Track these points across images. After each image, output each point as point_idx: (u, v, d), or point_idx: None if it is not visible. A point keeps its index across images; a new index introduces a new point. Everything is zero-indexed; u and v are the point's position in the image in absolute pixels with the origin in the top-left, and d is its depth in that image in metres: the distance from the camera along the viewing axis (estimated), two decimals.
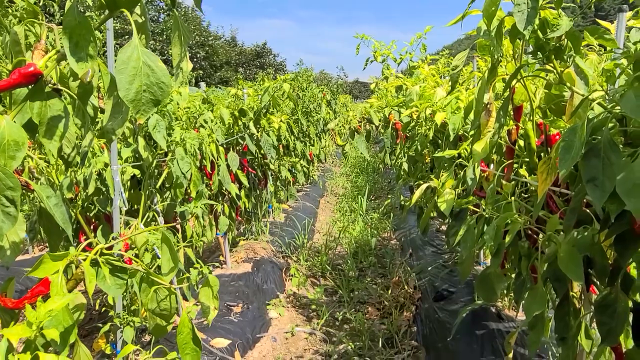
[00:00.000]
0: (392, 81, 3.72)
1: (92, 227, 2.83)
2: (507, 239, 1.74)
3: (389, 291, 4.04)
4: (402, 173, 4.11)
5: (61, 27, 1.36)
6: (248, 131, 4.19)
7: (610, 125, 1.28)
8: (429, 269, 4.21)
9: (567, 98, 1.63)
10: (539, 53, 1.36)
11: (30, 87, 1.27)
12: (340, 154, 11.72)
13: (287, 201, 6.73)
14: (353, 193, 7.92)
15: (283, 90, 4.43)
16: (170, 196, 3.21)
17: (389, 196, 7.02)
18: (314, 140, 7.61)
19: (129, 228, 2.79)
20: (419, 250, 4.95)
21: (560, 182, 1.63)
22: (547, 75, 1.59)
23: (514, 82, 1.49)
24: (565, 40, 1.32)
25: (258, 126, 4.39)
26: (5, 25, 1.25)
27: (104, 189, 2.61)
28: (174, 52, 1.38)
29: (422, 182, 3.58)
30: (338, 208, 7.25)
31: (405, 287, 4.10)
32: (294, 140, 6.09)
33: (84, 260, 1.29)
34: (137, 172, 2.76)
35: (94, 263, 1.31)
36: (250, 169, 4.47)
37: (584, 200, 1.48)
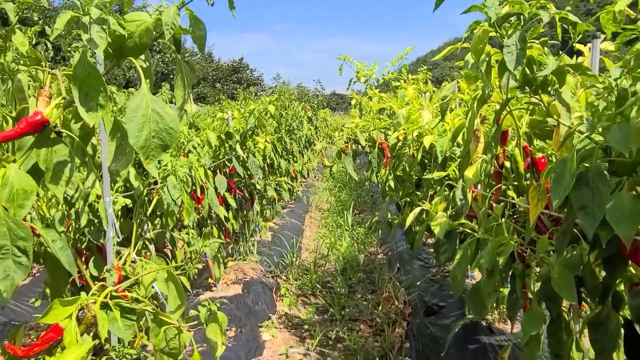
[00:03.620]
0: (376, 102, 3.80)
1: (83, 258, 2.79)
2: (501, 260, 1.81)
3: (380, 307, 4.08)
4: (387, 190, 4.19)
5: (64, 71, 1.38)
6: (235, 153, 4.21)
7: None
8: (418, 283, 4.27)
9: (550, 123, 1.73)
10: (526, 87, 1.44)
11: (36, 134, 1.28)
12: (322, 168, 11.80)
13: (273, 219, 6.74)
14: (337, 208, 7.97)
15: (268, 111, 4.47)
16: (160, 223, 3.20)
17: (375, 213, 7.10)
18: (296, 157, 7.66)
19: (120, 258, 2.77)
20: (406, 264, 5.01)
21: (550, 207, 1.71)
22: (531, 106, 1.68)
23: (503, 113, 1.57)
24: (551, 75, 1.40)
25: (244, 147, 4.42)
26: (9, 73, 1.26)
27: (96, 221, 2.60)
28: (177, 94, 1.41)
29: (408, 199, 3.66)
30: (324, 224, 7.29)
31: (396, 302, 4.15)
32: (278, 159, 6.12)
33: (94, 303, 1.30)
34: (128, 201, 2.75)
35: (104, 305, 1.32)
36: (237, 190, 4.48)
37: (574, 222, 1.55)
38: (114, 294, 1.32)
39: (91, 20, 1.08)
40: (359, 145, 3.77)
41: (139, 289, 2.38)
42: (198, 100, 33.15)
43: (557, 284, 1.56)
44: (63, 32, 1.24)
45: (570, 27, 1.27)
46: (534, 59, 1.36)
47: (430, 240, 5.04)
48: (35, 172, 1.33)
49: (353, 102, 6.07)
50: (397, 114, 2.80)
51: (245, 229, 5.19)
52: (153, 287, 2.55)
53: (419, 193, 3.52)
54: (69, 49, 1.88)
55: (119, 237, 2.52)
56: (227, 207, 4.32)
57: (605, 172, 1.27)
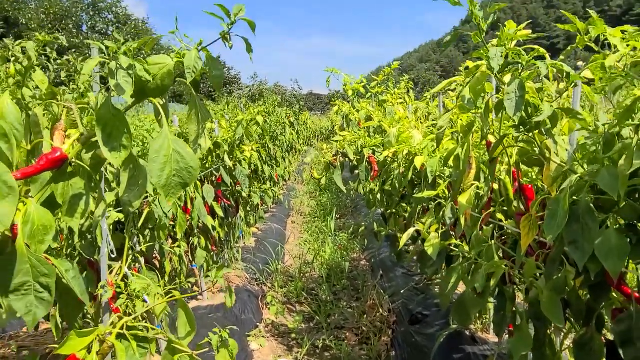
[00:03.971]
0: (363, 115, 3.88)
1: None
2: (492, 282, 1.91)
3: (365, 316, 4.17)
4: (372, 199, 4.29)
5: (79, 104, 1.41)
6: (222, 163, 4.23)
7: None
8: (402, 292, 4.38)
9: (537, 153, 1.84)
10: (521, 127, 1.54)
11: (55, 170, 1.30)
12: (302, 170, 11.86)
13: (256, 224, 6.76)
14: (319, 212, 8.05)
15: (256, 121, 4.51)
16: (151, 235, 3.20)
17: (357, 217, 7.19)
18: (279, 162, 7.70)
19: (111, 272, 2.77)
20: (389, 271, 5.12)
21: (538, 233, 1.82)
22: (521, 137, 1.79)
23: (498, 149, 1.67)
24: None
25: (231, 157, 4.44)
26: (26, 106, 1.28)
27: (89, 236, 2.59)
28: (190, 128, 1.45)
29: (394, 210, 3.76)
30: (306, 228, 7.35)
31: (380, 310, 4.25)
32: (262, 165, 6.16)
33: (110, 334, 1.33)
34: (121, 216, 2.75)
35: (120, 335, 1.35)
36: (224, 199, 4.50)
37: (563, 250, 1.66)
38: (129, 324, 1.36)
39: (118, 66, 1.12)
40: (347, 158, 3.85)
41: (137, 305, 2.40)
42: (174, 98, 32.70)
43: (546, 308, 1.67)
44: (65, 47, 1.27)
45: (564, 76, 1.37)
46: (530, 102, 1.46)
47: (412, 248, 5.17)
48: (51, 204, 1.35)
49: (335, 108, 6.14)
50: (389, 133, 2.89)
51: (230, 237, 5.21)
52: (145, 300, 2.58)
53: (404, 205, 3.63)
54: (67, 74, 1.89)
55: (113, 254, 2.52)
56: (214, 215, 4.34)
57: (595, 212, 1.38)
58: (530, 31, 1.53)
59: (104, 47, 1.14)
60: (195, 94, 1.37)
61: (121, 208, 2.85)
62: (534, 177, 2.07)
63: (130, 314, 2.57)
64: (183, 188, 1.27)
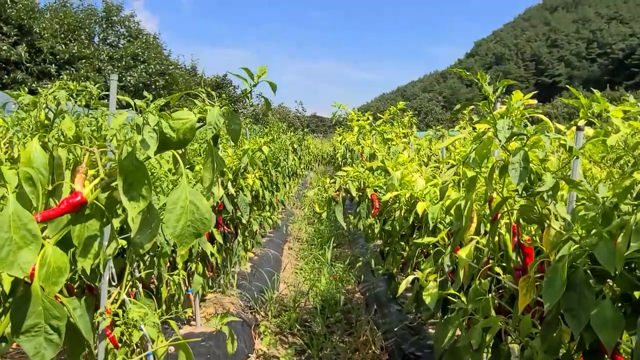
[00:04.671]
0: (367, 152, 3.96)
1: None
2: (488, 338, 1.94)
3: (357, 352, 4.16)
4: (370, 234, 4.32)
5: (100, 149, 1.47)
6: (226, 190, 4.27)
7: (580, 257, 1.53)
8: (395, 329, 4.37)
9: (537, 211, 1.89)
10: (524, 192, 1.59)
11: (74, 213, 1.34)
12: (301, 195, 11.91)
13: (253, 249, 6.76)
14: (316, 240, 8.06)
15: (265, 151, 4.58)
16: (150, 261, 3.22)
17: (354, 248, 7.20)
18: (280, 187, 7.75)
19: (109, 297, 2.78)
20: (384, 307, 5.12)
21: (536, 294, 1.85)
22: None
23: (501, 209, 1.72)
24: None
25: (234, 184, 4.49)
26: (50, 150, 1.34)
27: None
28: (205, 176, 1.50)
29: (393, 249, 3.80)
30: (302, 256, 7.35)
31: (373, 347, 4.23)
32: (263, 191, 6.20)
33: None
34: (123, 242, 2.78)
35: None
36: (224, 225, 4.53)
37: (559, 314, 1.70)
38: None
39: (145, 121, 1.18)
40: (349, 194, 3.90)
41: (133, 334, 2.41)
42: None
43: None
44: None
45: (567, 150, 1.44)
46: (533, 170, 1.52)
47: (408, 285, 5.18)
48: (65, 244, 1.39)
49: (339, 138, 6.21)
50: (392, 175, 2.96)
51: (227, 262, 5.21)
52: (141, 329, 2.59)
53: (403, 244, 3.67)
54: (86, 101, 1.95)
55: (114, 281, 2.54)
56: (213, 242, 4.36)
57: (590, 282, 1.42)
58: (535, 101, 1.60)
59: (132, 103, 1.20)
60: (214, 146, 1.43)
61: (126, 235, 2.88)
62: (533, 232, 2.12)
63: (126, 342, 2.58)
64: (196, 237, 1.31)
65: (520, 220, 2.10)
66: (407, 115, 5.84)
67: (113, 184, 1.39)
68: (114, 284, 2.55)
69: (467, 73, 1.40)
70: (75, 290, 2.87)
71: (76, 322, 1.45)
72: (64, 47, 26.91)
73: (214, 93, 1.40)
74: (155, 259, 3.11)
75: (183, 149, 1.45)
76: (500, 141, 1.39)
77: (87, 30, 31.48)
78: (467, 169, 1.99)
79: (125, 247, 2.94)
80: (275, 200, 7.66)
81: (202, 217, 1.31)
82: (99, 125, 1.83)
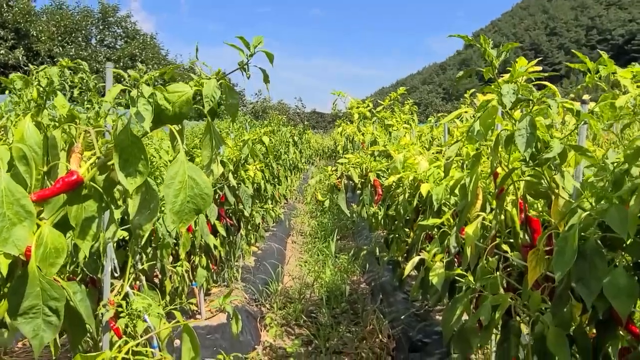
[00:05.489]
0: (368, 139, 3.93)
1: None
2: (497, 315, 1.91)
3: (364, 341, 4.13)
4: (374, 223, 4.29)
5: (96, 128, 1.43)
6: (227, 182, 4.24)
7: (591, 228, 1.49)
8: (402, 317, 4.34)
9: (544, 185, 1.86)
10: (530, 161, 1.55)
11: (70, 193, 1.31)
12: (303, 189, 11.87)
13: (256, 243, 6.74)
14: (320, 233, 8.03)
15: (262, 141, 4.54)
16: (153, 254, 3.19)
17: (357, 239, 7.16)
18: (282, 181, 7.72)
19: (112, 290, 2.76)
20: (390, 296, 5.09)
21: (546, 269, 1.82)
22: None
23: (507, 181, 1.68)
24: None
25: (236, 176, 4.46)
26: (44, 128, 1.30)
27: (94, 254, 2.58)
28: (204, 154, 1.46)
29: (397, 235, 3.76)
30: (306, 249, 7.33)
31: (380, 336, 4.20)
32: (265, 184, 6.17)
33: (115, 359, 1.32)
34: (125, 234, 2.75)
35: None
36: (227, 218, 4.50)
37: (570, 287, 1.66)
38: (134, 349, 1.35)
39: (140, 94, 1.14)
40: (351, 181, 3.86)
41: (137, 325, 2.39)
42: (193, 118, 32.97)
43: (552, 344, 1.66)
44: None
45: (574, 114, 1.39)
46: (540, 138, 1.48)
47: (413, 273, 5.14)
48: (63, 226, 1.36)
49: (339, 129, 6.17)
50: (395, 158, 2.92)
51: (230, 255, 5.19)
52: (145, 320, 2.56)
53: (407, 230, 3.63)
54: (79, 91, 1.92)
55: (117, 272, 2.52)
56: (216, 234, 4.33)
57: (602, 250, 1.38)
58: (540, 68, 1.56)
59: (126, 75, 1.16)
60: (211, 121, 1.39)
61: (127, 226, 2.85)
62: (540, 208, 2.08)
63: (130, 334, 2.55)
64: (197, 214, 1.28)
65: (527, 197, 2.07)
66: (408, 103, 5.79)
67: (110, 164, 1.36)
68: (116, 275, 2.52)
69: (470, 38, 1.35)
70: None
71: (76, 306, 1.42)
72: (61, 49, 26.90)
73: (210, 67, 1.37)
74: (157, 250, 3.08)
75: (180, 125, 1.41)
76: (505, 107, 1.35)
77: (83, 32, 31.47)
78: (470, 146, 1.95)
79: (127, 238, 2.91)
80: (278, 194, 7.64)
81: (202, 193, 1.27)
82: (96, 109, 1.80)
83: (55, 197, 1.31)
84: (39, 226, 1.24)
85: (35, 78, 1.29)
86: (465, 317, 2.32)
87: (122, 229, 2.76)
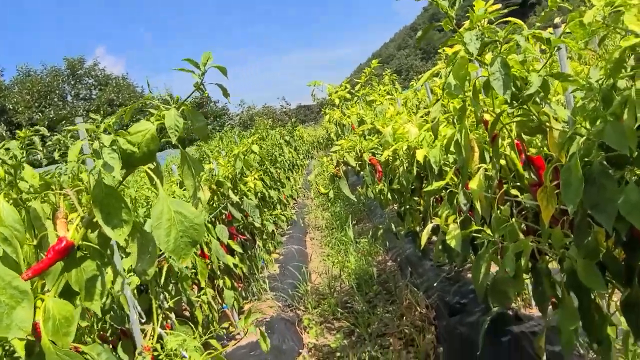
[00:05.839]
0: (355, 120, 3.88)
1: (110, 345, 2.76)
2: (523, 261, 1.87)
3: (404, 317, 4.11)
4: (383, 200, 4.25)
5: (74, 188, 1.40)
6: (229, 199, 4.22)
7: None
8: (435, 284, 4.32)
9: (537, 121, 1.81)
10: (514, 102, 1.51)
11: (64, 259, 1.28)
12: (309, 184, 11.84)
13: (276, 249, 6.73)
14: (335, 223, 8.01)
15: (252, 151, 4.51)
16: (175, 289, 3.19)
17: (373, 220, 7.13)
18: (284, 183, 7.69)
19: (145, 335, 2.75)
20: (417, 267, 5.06)
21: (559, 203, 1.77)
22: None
23: (497, 126, 1.64)
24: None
25: (236, 191, 4.43)
26: (23, 203, 1.27)
27: (116, 307, 2.58)
28: (187, 184, 1.43)
29: (408, 206, 3.72)
30: (326, 242, 7.31)
31: (418, 308, 4.18)
32: (268, 190, 6.15)
33: None
34: (137, 280, 2.74)
35: None
36: (239, 234, 4.48)
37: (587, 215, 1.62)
38: None
39: (101, 145, 1.11)
40: (349, 166, 3.82)
41: None
42: (169, 143, 33.01)
43: (583, 276, 1.62)
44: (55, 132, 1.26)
45: (545, 43, 1.34)
46: (517, 76, 1.43)
47: (434, 238, 5.11)
48: (69, 292, 1.34)
49: (327, 117, 6.12)
50: (384, 133, 2.87)
51: (253, 269, 5.18)
52: (184, 356, 2.55)
53: (417, 199, 3.59)
54: (60, 153, 1.89)
55: (143, 318, 2.51)
56: (233, 253, 4.32)
57: (609, 171, 1.34)
58: (499, 5, 1.50)
59: (84, 130, 1.13)
60: (184, 150, 1.36)
61: None
62: (539, 144, 2.03)
63: None
64: (193, 246, 1.25)
65: (523, 136, 2.02)
66: (386, 73, 5.72)
67: (95, 219, 1.33)
68: (142, 320, 2.51)
69: None
70: (110, 338, 2.84)
71: None
72: (40, 114, 26.94)
73: (169, 98, 1.32)
74: (178, 285, 3.06)
75: (155, 162, 1.38)
76: (472, 55, 1.30)
77: (57, 91, 31.48)
78: (456, 100, 1.90)
79: (145, 282, 2.90)
80: (284, 197, 7.61)
81: (192, 224, 1.24)
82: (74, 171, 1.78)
83: (51, 267, 1.28)
84: (43, 300, 1.22)
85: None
86: (495, 268, 2.28)
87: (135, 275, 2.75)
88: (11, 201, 1.27)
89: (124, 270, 2.78)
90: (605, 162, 1.44)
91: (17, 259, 1.15)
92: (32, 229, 1.39)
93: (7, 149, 1.31)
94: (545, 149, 2.04)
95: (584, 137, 1.34)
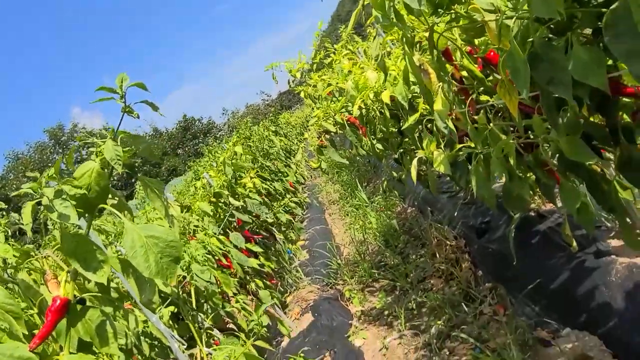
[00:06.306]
0: (321, 87, 3.83)
1: None
2: (512, 161, 1.84)
3: (437, 256, 4.13)
4: (378, 152, 4.22)
5: (53, 248, 1.41)
6: (232, 206, 4.23)
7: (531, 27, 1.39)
8: (455, 214, 4.31)
9: (478, 21, 1.75)
10: (438, 10, 1.46)
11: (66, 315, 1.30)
12: (309, 165, 11.82)
13: (300, 237, 6.78)
14: (347, 191, 8.01)
15: (236, 152, 4.50)
16: (210, 306, 3.24)
17: (380, 176, 7.11)
18: (285, 172, 7.69)
19: (194, 359, 2.82)
20: (435, 204, 5.05)
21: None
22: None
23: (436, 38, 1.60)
24: None
25: (237, 196, 4.44)
26: (11, 280, 1.29)
27: (156, 342, 2.63)
28: (156, 206, 1.43)
29: (402, 150, 3.69)
30: (344, 213, 7.33)
31: (447, 242, 4.19)
32: (270, 184, 6.15)
33: None
34: (172, 308, 2.79)
35: None
36: (255, 235, 4.51)
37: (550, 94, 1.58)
38: None
39: (48, 199, 1.11)
40: (331, 133, 3.79)
41: None
42: (171, 174, 33.22)
43: (571, 152, 1.59)
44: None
45: None
46: None
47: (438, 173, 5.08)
48: (84, 345, 1.36)
49: (302, 94, 6.07)
50: (346, 88, 2.83)
51: (282, 262, 5.23)
52: None
53: (406, 140, 3.55)
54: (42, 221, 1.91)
55: (184, 345, 2.56)
56: (255, 255, 4.36)
57: (553, 42, 1.30)
58: None
59: (29, 190, 1.13)
60: (140, 175, 1.35)
61: (168, 302, 2.89)
62: (490, 42, 1.98)
63: None
64: (177, 263, 1.25)
65: (473, 41, 1.98)
66: (342, 30, 5.61)
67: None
68: (184, 346, 2.56)
69: None
70: None
71: None
72: None
73: (105, 131, 1.31)
74: (209, 302, 3.11)
75: (115, 197, 1.38)
76: None
77: (49, 164, 31.73)
78: (387, 29, 1.85)
79: (177, 310, 2.95)
80: (290, 184, 7.62)
81: (168, 242, 1.24)
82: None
83: (56, 327, 1.30)
84: None
85: None
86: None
87: (166, 305, 2.80)
88: None
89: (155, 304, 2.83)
90: (548, 36, 1.40)
91: (16, 330, 1.17)
92: (30, 300, 1.41)
93: None
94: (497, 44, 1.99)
95: (514, 17, 1.29)
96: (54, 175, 1.16)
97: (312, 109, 8.15)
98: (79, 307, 1.35)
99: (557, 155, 1.74)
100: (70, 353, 1.30)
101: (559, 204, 2.25)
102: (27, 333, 1.27)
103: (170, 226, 1.42)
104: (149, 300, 1.47)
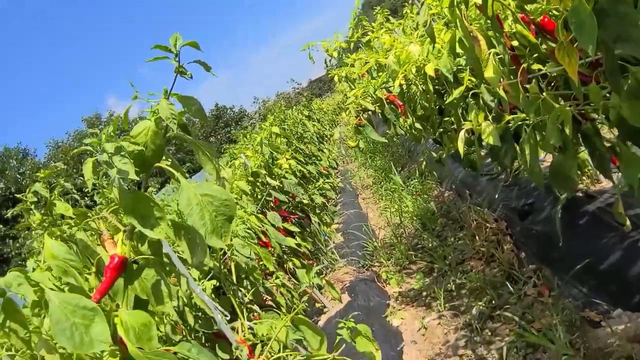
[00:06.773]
0: (359, 66, 3.78)
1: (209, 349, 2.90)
2: (567, 130, 1.76)
3: (477, 238, 4.04)
4: (415, 133, 4.14)
5: (109, 209, 1.45)
6: (269, 186, 4.27)
7: None
8: (496, 196, 4.21)
9: None
10: None
11: (123, 274, 1.34)
12: (347, 151, 11.77)
13: (334, 221, 6.79)
14: (381, 176, 7.95)
15: (273, 133, 4.52)
16: (250, 282, 3.29)
17: (415, 159, 7.01)
18: (319, 156, 7.69)
19: (237, 333, 2.87)
20: (474, 186, 4.95)
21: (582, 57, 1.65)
22: None
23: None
24: None
25: (274, 176, 4.47)
26: (69, 238, 1.33)
27: (200, 314, 2.69)
28: (207, 169, 1.44)
29: (441, 129, 3.61)
30: (378, 197, 7.29)
31: (487, 224, 4.10)
32: (305, 166, 6.17)
33: None
34: (215, 282, 2.85)
35: None
36: (291, 215, 4.54)
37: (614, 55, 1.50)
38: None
39: (109, 155, 1.13)
40: (369, 112, 3.74)
41: (273, 345, 2.46)
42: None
43: (632, 118, 1.51)
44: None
45: None
46: None
47: (483, 152, 4.95)
48: (140, 303, 1.40)
49: (336, 78, 6.01)
50: (387, 63, 2.78)
51: (318, 243, 5.26)
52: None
53: (447, 119, 3.47)
54: (93, 190, 1.98)
55: (227, 316, 2.61)
56: (292, 234, 4.39)
57: None
58: None
59: (89, 147, 1.16)
60: (191, 137, 1.37)
61: (210, 275, 2.94)
62: (544, 6, 1.89)
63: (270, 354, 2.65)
64: (230, 222, 1.27)
65: (525, 7, 1.90)
66: (377, 12, 5.52)
67: (136, 230, 1.37)
68: (227, 318, 2.62)
69: None
70: (207, 344, 2.99)
71: (198, 359, 1.46)
72: (82, 178, 28.10)
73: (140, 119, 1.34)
74: (250, 278, 3.16)
75: (170, 159, 1.40)
76: None
77: (88, 152, 32.73)
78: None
79: (219, 285, 3.01)
80: (324, 168, 7.62)
81: (222, 200, 1.26)
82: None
83: (114, 284, 1.34)
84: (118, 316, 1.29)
85: (25, 203, 1.34)
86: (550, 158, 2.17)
87: (209, 279, 2.85)
88: (58, 238, 1.33)
89: (196, 280, 2.90)
90: None
91: (81, 283, 1.21)
92: (87, 258, 1.46)
93: (35, 192, 1.38)
94: (553, 10, 1.90)
95: None
96: (112, 134, 1.19)
97: (345, 94, 8.07)
98: (135, 266, 1.39)
99: (618, 122, 1.66)
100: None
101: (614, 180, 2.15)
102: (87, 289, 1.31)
103: None
104: (200, 262, 1.50)
